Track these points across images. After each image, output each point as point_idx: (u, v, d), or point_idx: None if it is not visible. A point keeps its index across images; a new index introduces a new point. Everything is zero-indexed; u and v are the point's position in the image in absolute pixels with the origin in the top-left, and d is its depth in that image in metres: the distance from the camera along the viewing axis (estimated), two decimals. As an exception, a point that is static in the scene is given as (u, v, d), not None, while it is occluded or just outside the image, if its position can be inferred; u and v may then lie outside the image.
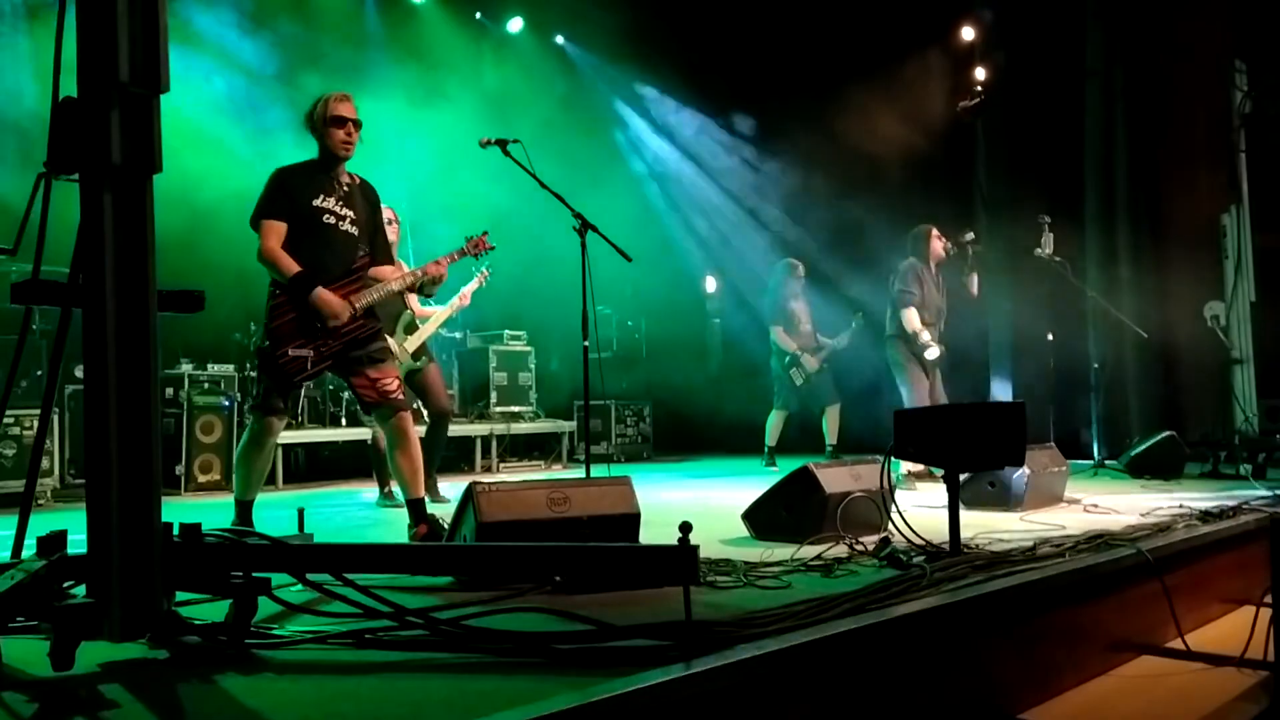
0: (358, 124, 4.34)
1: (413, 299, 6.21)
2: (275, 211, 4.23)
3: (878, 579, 3.08)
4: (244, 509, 4.36)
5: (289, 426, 7.62)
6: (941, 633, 2.77)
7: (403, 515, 5.22)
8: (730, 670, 2.17)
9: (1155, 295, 8.42)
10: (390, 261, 4.60)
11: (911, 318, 6.82)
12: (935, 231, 7.08)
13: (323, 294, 4.18)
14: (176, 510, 5.32)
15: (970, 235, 7.11)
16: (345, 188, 4.38)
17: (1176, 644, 3.64)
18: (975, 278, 7.14)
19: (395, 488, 6.15)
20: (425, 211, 8.47)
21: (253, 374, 7.90)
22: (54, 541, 2.39)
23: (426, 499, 4.48)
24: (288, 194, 4.26)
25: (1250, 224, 8.19)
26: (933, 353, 6.81)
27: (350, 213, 4.36)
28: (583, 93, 10.95)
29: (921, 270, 6.97)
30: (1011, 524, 4.50)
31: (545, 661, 2.29)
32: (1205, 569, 4.07)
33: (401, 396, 4.35)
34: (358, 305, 4.28)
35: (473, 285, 6.70)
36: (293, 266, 4.17)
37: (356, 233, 4.38)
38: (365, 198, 4.47)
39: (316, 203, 4.28)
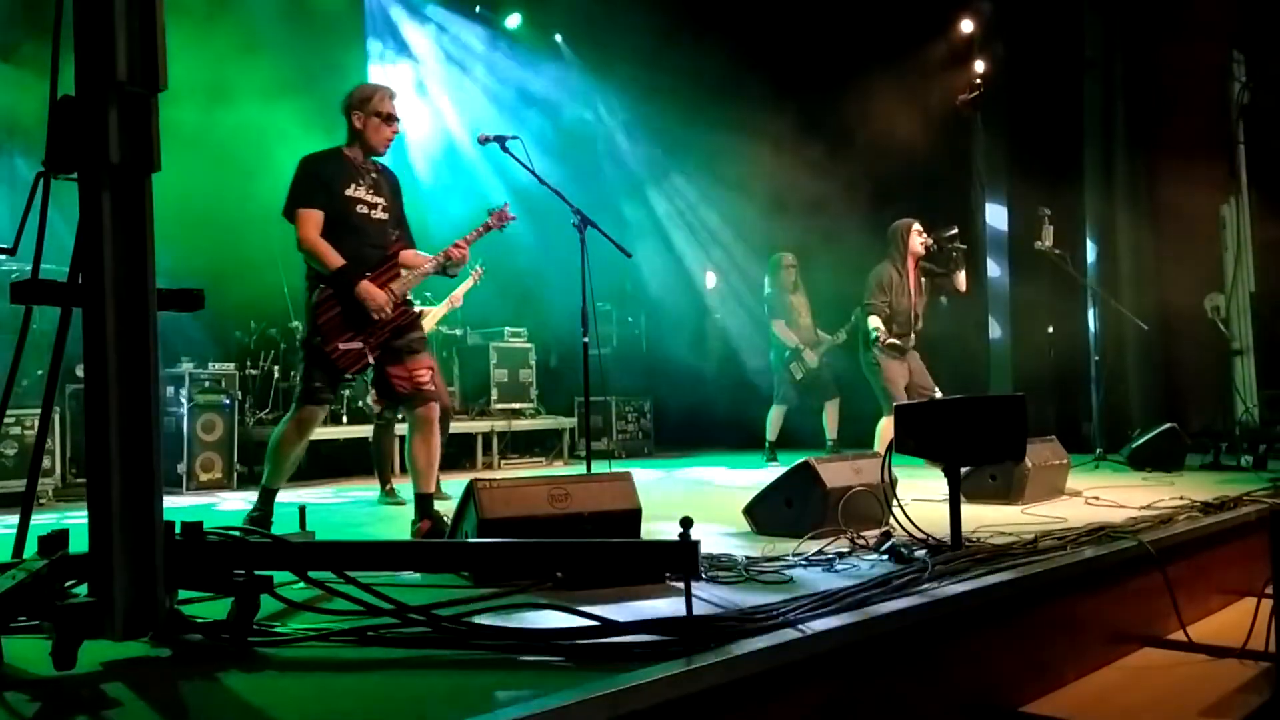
0: (399, 122, 4.42)
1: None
2: (311, 200, 4.25)
3: (879, 573, 3.08)
4: (268, 496, 4.38)
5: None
6: (943, 626, 2.78)
7: (404, 513, 5.23)
8: (731, 665, 2.17)
9: (1155, 287, 8.42)
10: (413, 245, 4.63)
11: (874, 322, 6.77)
12: (916, 226, 6.90)
13: (367, 288, 4.24)
14: (178, 509, 5.33)
15: (953, 230, 6.92)
16: (373, 175, 4.43)
17: (1178, 636, 3.64)
18: (961, 275, 6.92)
19: (396, 485, 6.17)
20: (423, 210, 8.48)
21: (253, 372, 7.91)
22: (55, 540, 2.39)
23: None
24: (321, 182, 4.28)
25: (1250, 215, 8.19)
26: (890, 347, 6.69)
27: (381, 200, 4.42)
28: (578, 89, 10.97)
29: (888, 275, 6.82)
30: (1013, 517, 4.50)
31: (547, 658, 2.29)
32: (1206, 561, 4.08)
33: (432, 387, 4.41)
34: (398, 293, 4.35)
35: (466, 285, 6.70)
36: (335, 259, 4.21)
37: (387, 219, 4.44)
38: (390, 184, 4.52)
39: (349, 192, 4.32)
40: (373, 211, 4.37)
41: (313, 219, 4.23)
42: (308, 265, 4.32)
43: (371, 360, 4.28)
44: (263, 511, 4.34)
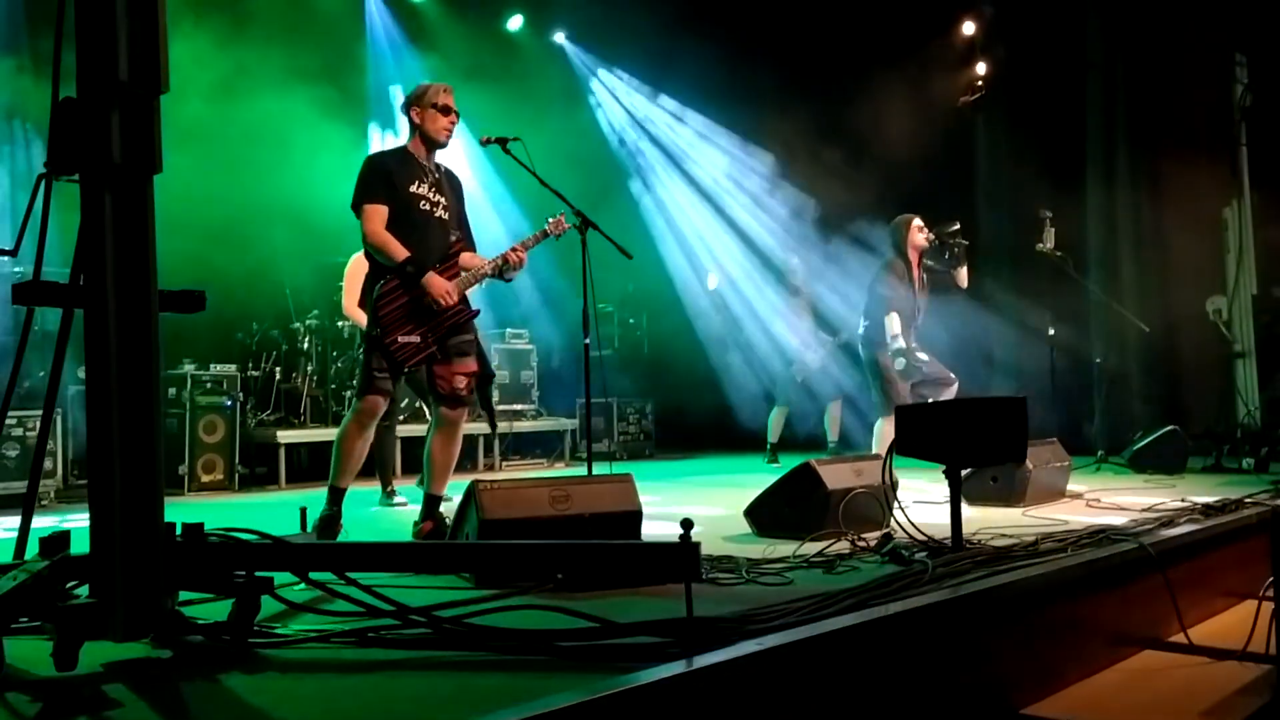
0: (458, 115, 4.47)
1: None
2: (376, 195, 4.30)
3: (880, 575, 3.09)
4: (337, 495, 4.39)
5: (290, 425, 7.67)
6: (944, 628, 2.77)
7: (404, 514, 5.24)
8: (732, 667, 2.17)
9: (1157, 289, 8.41)
10: (474, 248, 4.65)
11: (893, 323, 6.57)
12: (917, 222, 6.78)
13: (433, 277, 4.29)
14: (179, 510, 5.32)
15: (955, 226, 6.85)
16: (435, 175, 4.48)
17: (1179, 638, 3.63)
18: (963, 271, 6.84)
19: (397, 486, 6.17)
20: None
21: (255, 374, 7.91)
22: (57, 542, 2.39)
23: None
24: (386, 178, 4.33)
25: (1251, 217, 8.19)
26: (900, 362, 6.51)
27: (442, 199, 4.46)
28: (578, 90, 10.99)
29: (900, 269, 6.69)
30: (1014, 519, 4.50)
31: (548, 659, 2.29)
32: (1207, 563, 4.07)
33: (467, 393, 4.43)
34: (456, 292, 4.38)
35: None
36: (401, 251, 4.25)
37: (448, 218, 4.48)
38: (451, 185, 4.56)
39: (412, 189, 4.36)
40: (434, 210, 4.41)
41: (379, 213, 4.28)
42: (371, 259, 4.36)
43: (422, 355, 4.29)
44: (332, 510, 4.37)
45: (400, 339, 4.25)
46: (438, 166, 4.51)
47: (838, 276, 9.11)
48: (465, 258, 4.50)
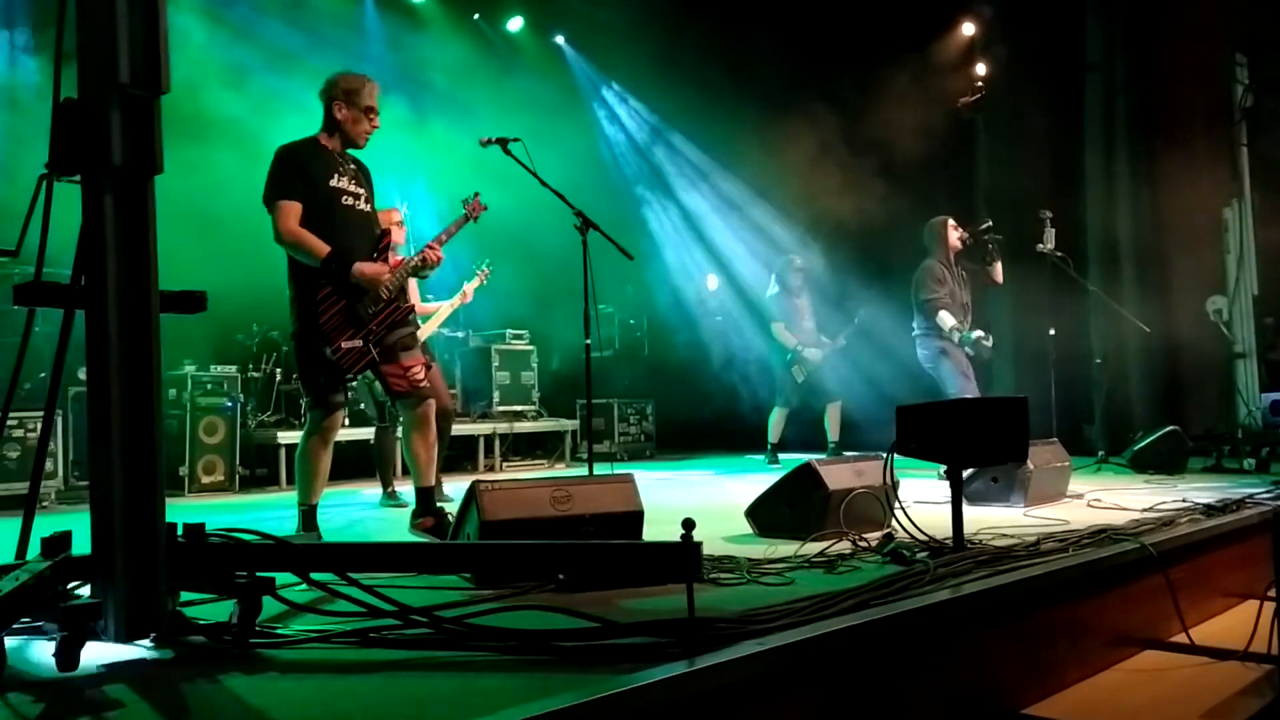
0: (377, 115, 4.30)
1: (415, 295, 6.22)
2: (290, 191, 4.06)
3: (881, 575, 3.08)
4: (309, 515, 4.23)
5: (290, 427, 7.66)
6: (945, 628, 2.77)
7: (406, 515, 5.22)
8: (733, 667, 2.17)
9: (1157, 290, 8.41)
10: None
11: (946, 319, 6.82)
12: (951, 223, 7.06)
13: (363, 267, 4.11)
14: (180, 511, 5.33)
15: (988, 223, 7.13)
16: (351, 166, 4.29)
17: (1180, 638, 3.64)
18: (998, 265, 7.14)
19: (398, 488, 6.17)
20: (423, 213, 8.54)
21: (255, 375, 7.90)
22: (58, 542, 2.39)
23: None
24: (302, 173, 4.11)
25: (1252, 218, 8.19)
26: (984, 343, 6.75)
27: (363, 191, 4.29)
28: (580, 91, 11.00)
29: (940, 269, 6.93)
30: (1015, 519, 4.50)
31: (549, 659, 2.29)
32: (1209, 563, 4.07)
33: (427, 384, 4.35)
34: (391, 285, 4.24)
35: (475, 282, 6.71)
36: (321, 246, 4.03)
37: (370, 211, 4.32)
38: (366, 177, 4.38)
39: (333, 183, 4.16)
40: (357, 203, 4.23)
41: (294, 210, 4.04)
42: (291, 261, 4.15)
43: (365, 361, 4.17)
44: (310, 526, 4.23)
45: (343, 345, 4.11)
46: (351, 158, 4.31)
47: (834, 278, 9.12)
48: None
